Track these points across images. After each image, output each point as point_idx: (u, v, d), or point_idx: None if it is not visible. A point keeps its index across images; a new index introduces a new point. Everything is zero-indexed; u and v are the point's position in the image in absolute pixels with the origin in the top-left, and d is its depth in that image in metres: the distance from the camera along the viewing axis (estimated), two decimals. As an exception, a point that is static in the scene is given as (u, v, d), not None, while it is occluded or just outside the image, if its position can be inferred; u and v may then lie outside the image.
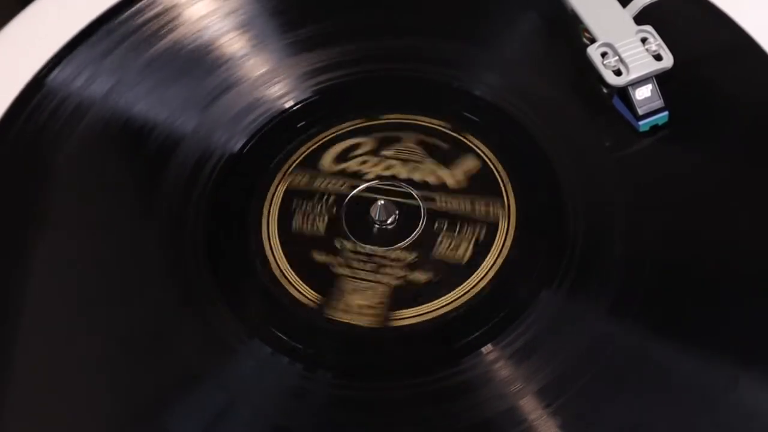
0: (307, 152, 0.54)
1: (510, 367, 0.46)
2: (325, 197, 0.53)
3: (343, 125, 0.55)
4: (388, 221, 0.52)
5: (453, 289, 0.49)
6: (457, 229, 0.51)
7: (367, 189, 0.53)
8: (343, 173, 0.54)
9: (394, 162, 0.54)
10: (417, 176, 0.53)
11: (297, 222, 0.52)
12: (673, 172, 0.52)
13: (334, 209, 0.52)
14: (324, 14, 0.60)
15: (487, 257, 0.50)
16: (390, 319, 0.49)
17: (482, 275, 0.49)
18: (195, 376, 0.47)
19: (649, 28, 0.54)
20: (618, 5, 0.55)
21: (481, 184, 0.52)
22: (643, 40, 0.54)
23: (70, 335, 0.49)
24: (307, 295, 0.50)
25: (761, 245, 0.49)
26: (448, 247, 0.50)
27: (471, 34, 0.58)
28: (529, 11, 0.59)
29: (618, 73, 0.53)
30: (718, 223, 0.50)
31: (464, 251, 0.50)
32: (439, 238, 0.51)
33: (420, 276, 0.50)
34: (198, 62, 0.58)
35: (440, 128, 0.55)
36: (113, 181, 0.55)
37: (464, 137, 0.54)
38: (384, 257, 0.51)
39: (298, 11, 0.60)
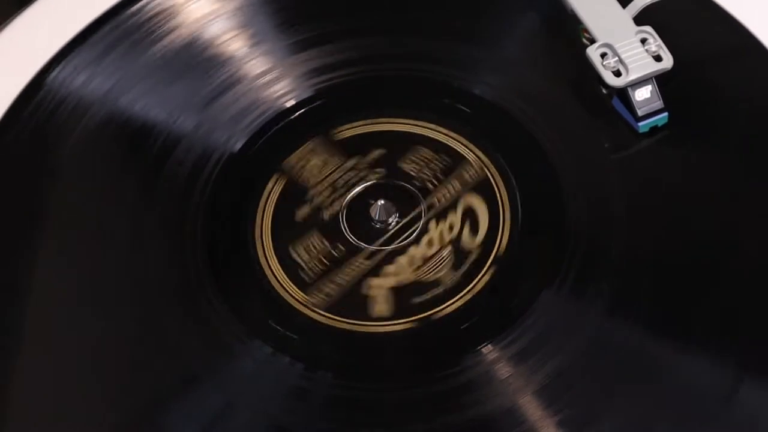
0: (289, 169, 0.54)
1: (510, 367, 0.46)
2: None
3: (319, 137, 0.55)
4: (389, 220, 0.52)
5: (453, 290, 0.49)
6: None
7: (362, 192, 0.53)
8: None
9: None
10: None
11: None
12: (672, 173, 0.52)
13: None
14: (324, 13, 0.60)
15: (488, 257, 0.50)
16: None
17: (482, 275, 0.49)
18: (194, 377, 0.47)
19: (648, 28, 0.54)
20: (618, 5, 0.55)
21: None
22: (643, 41, 0.53)
23: (69, 335, 0.49)
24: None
25: (761, 245, 0.49)
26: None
27: (471, 34, 0.58)
28: (528, 11, 0.59)
29: (617, 73, 0.53)
30: (718, 224, 0.50)
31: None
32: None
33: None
34: (198, 62, 0.58)
35: (447, 137, 0.55)
36: (113, 180, 0.55)
37: (459, 141, 0.54)
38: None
39: (298, 10, 0.60)
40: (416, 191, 0.53)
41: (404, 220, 0.52)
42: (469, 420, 0.45)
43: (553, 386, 0.45)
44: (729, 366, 0.45)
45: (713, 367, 0.46)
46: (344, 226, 0.52)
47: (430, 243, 0.51)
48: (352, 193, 0.53)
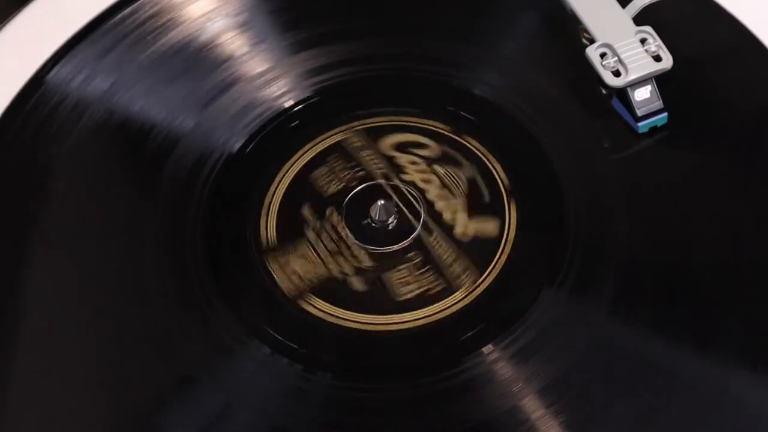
0: (290, 168, 0.54)
1: (511, 368, 0.46)
2: (358, 167, 0.53)
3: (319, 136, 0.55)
4: (389, 220, 0.52)
5: (453, 290, 0.49)
6: (422, 270, 0.50)
7: (391, 186, 0.53)
8: (390, 160, 0.54)
9: (435, 181, 0.53)
10: (440, 205, 0.52)
11: (319, 172, 0.53)
12: (672, 174, 0.52)
13: (354, 183, 0.53)
14: (324, 13, 0.60)
15: (488, 257, 0.50)
16: (302, 300, 0.49)
17: (482, 276, 0.49)
18: (194, 377, 0.47)
19: (648, 28, 0.54)
20: (617, 5, 0.55)
21: (478, 250, 0.51)
22: (643, 41, 0.53)
23: (68, 335, 0.49)
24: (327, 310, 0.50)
25: (761, 245, 0.49)
26: (399, 279, 0.50)
27: (471, 34, 0.58)
28: (528, 11, 0.59)
29: (617, 73, 0.53)
30: (718, 224, 0.50)
31: (409, 292, 0.49)
32: (402, 266, 0.50)
33: (356, 283, 0.50)
34: (197, 61, 0.58)
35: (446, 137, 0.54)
36: (112, 180, 0.55)
37: (459, 141, 0.54)
38: (349, 248, 0.51)
39: (298, 10, 0.60)
40: (416, 192, 0.53)
41: (392, 230, 0.52)
42: (470, 420, 0.45)
43: (553, 386, 0.45)
44: (730, 366, 0.45)
45: (714, 367, 0.46)
46: (346, 202, 0.52)
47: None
48: (377, 181, 0.53)
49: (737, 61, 0.55)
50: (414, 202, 0.52)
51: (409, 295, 0.49)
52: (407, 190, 0.53)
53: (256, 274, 0.50)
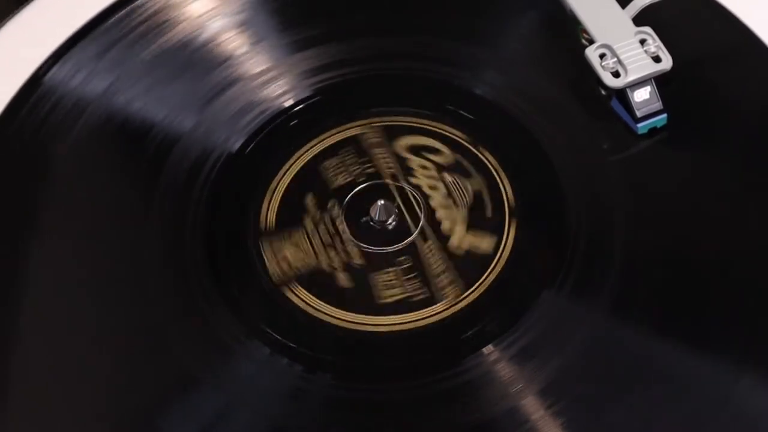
0: (289, 167, 0.54)
1: (511, 368, 0.46)
2: (369, 164, 0.53)
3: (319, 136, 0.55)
4: (389, 220, 0.52)
5: (453, 291, 0.49)
6: (408, 276, 0.50)
7: (397, 188, 0.53)
8: (402, 161, 0.53)
9: (442, 189, 0.53)
10: (441, 214, 0.52)
11: (330, 162, 0.53)
12: (672, 174, 0.52)
13: (362, 179, 0.53)
14: (324, 12, 0.60)
15: (488, 257, 0.50)
16: (286, 286, 0.49)
17: (483, 276, 0.49)
18: (193, 377, 0.47)
19: (648, 29, 0.54)
20: (617, 6, 0.55)
21: (469, 266, 0.50)
22: (642, 42, 0.53)
23: (68, 335, 0.49)
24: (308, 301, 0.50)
25: (761, 246, 0.49)
26: (385, 281, 0.50)
27: (471, 34, 0.58)
28: (528, 11, 0.59)
29: (616, 74, 0.53)
30: (718, 225, 0.50)
31: (392, 296, 0.49)
32: (390, 269, 0.50)
33: (342, 279, 0.50)
34: (197, 60, 0.58)
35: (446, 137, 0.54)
36: (111, 180, 0.55)
37: (459, 141, 0.54)
38: (343, 243, 0.51)
39: (297, 9, 0.60)
40: (421, 197, 0.53)
41: (403, 224, 0.52)
42: (471, 421, 0.45)
43: (554, 387, 0.45)
44: (730, 366, 0.45)
45: (714, 367, 0.46)
46: (349, 196, 0.52)
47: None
48: (384, 181, 0.53)
49: (737, 62, 0.55)
50: (416, 207, 0.52)
51: (390, 300, 0.49)
52: (412, 193, 0.53)
53: (255, 274, 0.50)
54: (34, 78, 0.57)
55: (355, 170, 0.53)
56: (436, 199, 0.52)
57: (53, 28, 0.59)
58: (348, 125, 0.55)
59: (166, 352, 0.48)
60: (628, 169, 0.52)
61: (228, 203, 0.53)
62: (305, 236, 0.51)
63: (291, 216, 0.52)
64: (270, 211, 0.52)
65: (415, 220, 0.52)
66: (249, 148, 0.55)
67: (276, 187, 0.53)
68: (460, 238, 0.51)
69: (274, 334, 0.48)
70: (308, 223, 0.52)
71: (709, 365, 0.46)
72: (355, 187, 0.53)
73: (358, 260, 0.50)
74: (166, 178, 0.54)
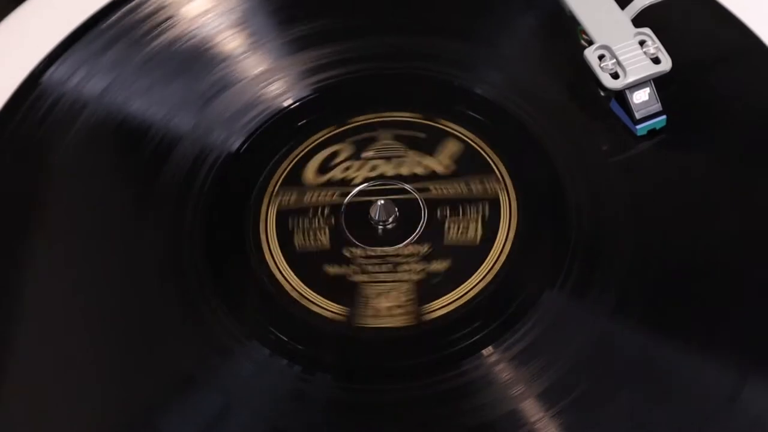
0: (289, 167, 0.54)
1: (511, 370, 0.46)
2: (320, 210, 0.53)
3: (318, 135, 0.55)
4: (389, 220, 0.51)
5: (461, 283, 0.49)
6: (461, 212, 0.51)
7: (360, 193, 0.53)
8: (329, 183, 0.53)
9: (377, 162, 0.53)
10: (404, 170, 0.53)
11: (298, 240, 0.52)
12: (671, 176, 0.52)
13: (333, 220, 0.52)
14: (323, 12, 0.60)
15: (489, 255, 0.50)
16: (423, 313, 0.49)
17: (483, 277, 0.49)
18: (193, 378, 0.47)
19: (647, 30, 0.54)
20: (616, 7, 0.55)
21: (469, 163, 0.53)
22: (642, 43, 0.53)
23: (67, 336, 0.49)
24: (325, 306, 0.49)
25: (762, 246, 0.49)
26: (458, 231, 0.50)
27: (470, 34, 0.58)
28: (528, 11, 0.59)
29: (615, 76, 0.53)
30: (718, 226, 0.50)
31: (474, 232, 0.50)
32: (446, 225, 0.51)
33: (438, 265, 0.50)
34: (195, 60, 0.58)
35: (414, 120, 0.55)
36: (109, 180, 0.55)
37: (440, 124, 0.54)
38: (397, 255, 0.51)
39: (296, 8, 0.60)
40: (408, 185, 0.53)
41: (406, 216, 0.52)
42: (470, 423, 0.45)
43: (554, 388, 0.45)
44: (731, 367, 0.45)
45: (715, 369, 0.46)
46: (348, 234, 0.52)
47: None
48: (346, 201, 0.53)
49: (737, 63, 0.55)
50: (420, 212, 0.52)
51: (479, 234, 0.50)
52: (421, 198, 0.52)
53: (255, 275, 0.50)
54: (31, 78, 0.57)
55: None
56: (386, 168, 0.53)
57: (50, 28, 0.59)
58: (347, 125, 0.55)
59: (165, 353, 0.48)
60: (627, 171, 0.52)
61: (227, 203, 0.53)
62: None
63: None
64: (270, 210, 0.52)
65: (403, 192, 0.52)
66: (248, 148, 0.55)
67: (276, 188, 0.53)
68: (437, 161, 0.52)
69: (274, 334, 0.48)
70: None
71: (710, 365, 0.46)
72: (356, 187, 0.53)
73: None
74: (164, 177, 0.54)
